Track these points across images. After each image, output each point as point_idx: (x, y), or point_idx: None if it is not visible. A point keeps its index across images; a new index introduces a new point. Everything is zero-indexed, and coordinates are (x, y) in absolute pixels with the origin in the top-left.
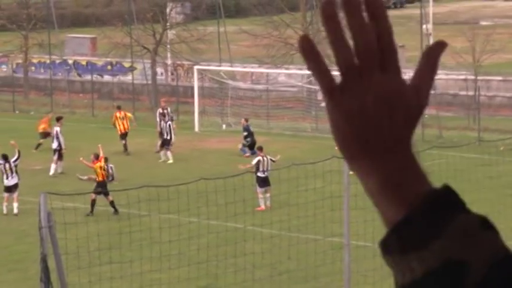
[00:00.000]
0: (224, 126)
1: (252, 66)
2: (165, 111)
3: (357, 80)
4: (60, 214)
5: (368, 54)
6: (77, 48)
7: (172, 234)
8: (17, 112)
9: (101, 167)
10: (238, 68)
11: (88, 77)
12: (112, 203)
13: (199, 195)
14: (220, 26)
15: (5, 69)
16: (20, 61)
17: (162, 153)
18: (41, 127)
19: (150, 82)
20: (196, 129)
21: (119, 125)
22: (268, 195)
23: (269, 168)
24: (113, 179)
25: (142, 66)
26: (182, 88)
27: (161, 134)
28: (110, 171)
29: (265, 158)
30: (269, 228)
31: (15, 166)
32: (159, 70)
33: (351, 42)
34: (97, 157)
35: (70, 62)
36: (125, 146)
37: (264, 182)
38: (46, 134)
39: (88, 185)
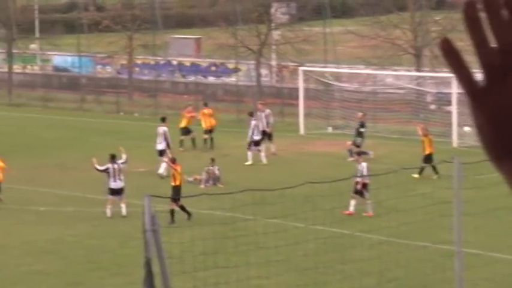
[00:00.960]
0: (330, 128)
1: (359, 68)
2: (262, 113)
3: (500, 80)
4: (165, 217)
5: (510, 54)
6: (181, 49)
7: (278, 239)
8: (121, 114)
9: (180, 173)
10: (344, 70)
11: (192, 79)
12: (172, 212)
13: (305, 199)
14: (326, 27)
15: (109, 70)
16: (124, 62)
17: (261, 155)
18: (186, 120)
19: (254, 84)
20: (302, 131)
21: (205, 121)
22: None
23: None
24: (218, 181)
25: (246, 67)
26: (287, 90)
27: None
28: (217, 172)
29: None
30: (377, 235)
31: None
32: (263, 71)
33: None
34: (174, 161)
35: (174, 63)
36: (206, 140)
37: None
38: (188, 131)
39: (193, 188)
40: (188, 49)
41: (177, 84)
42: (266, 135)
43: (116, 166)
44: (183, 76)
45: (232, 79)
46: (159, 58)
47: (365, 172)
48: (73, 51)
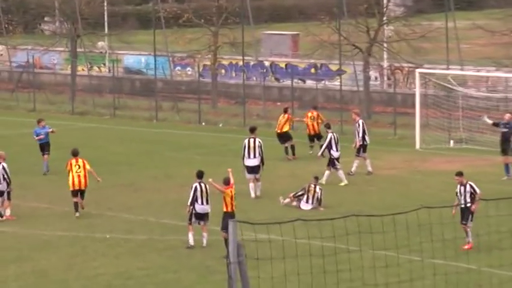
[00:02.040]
0: (452, 143)
1: (488, 70)
2: (356, 124)
3: None
4: (253, 247)
5: None
6: (275, 48)
7: (388, 275)
8: (203, 124)
9: (231, 197)
10: (470, 72)
11: (288, 83)
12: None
13: (422, 227)
14: (448, 21)
15: (190, 73)
16: (207, 63)
17: (326, 173)
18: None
19: (361, 89)
20: (417, 146)
21: (310, 126)
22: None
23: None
24: (320, 204)
25: (352, 69)
26: (401, 96)
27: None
28: (318, 192)
29: None
30: (509, 271)
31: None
32: (372, 74)
33: None
34: (227, 183)
35: (267, 64)
36: (311, 147)
37: None
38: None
39: (288, 211)
40: (283, 47)
41: (270, 89)
42: (359, 149)
43: (203, 187)
44: (277, 80)
45: (335, 83)
46: (249, 58)
47: (477, 192)
48: (147, 50)
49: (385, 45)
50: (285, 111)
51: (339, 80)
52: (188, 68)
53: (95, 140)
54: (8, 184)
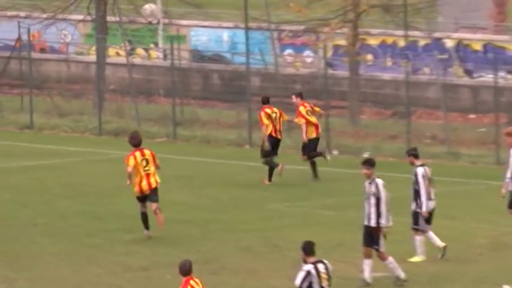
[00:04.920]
0: None
1: None
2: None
3: None
4: None
5: None
6: (463, 15)
7: None
8: (334, 153)
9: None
10: None
11: (487, 78)
12: None
13: None
14: None
15: (310, 60)
16: (341, 42)
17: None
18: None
19: None
20: None
21: (312, 127)
22: None
23: None
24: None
25: None
26: None
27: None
28: None
29: None
30: None
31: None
32: None
33: None
34: (188, 271)
35: (449, 44)
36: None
37: None
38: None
39: None
40: (479, 14)
41: (455, 90)
42: None
43: (322, 267)
44: (468, 73)
45: None
46: (416, 35)
47: None
48: (232, 19)
49: None
50: (267, 101)
51: None
52: (307, 52)
53: None
54: None
